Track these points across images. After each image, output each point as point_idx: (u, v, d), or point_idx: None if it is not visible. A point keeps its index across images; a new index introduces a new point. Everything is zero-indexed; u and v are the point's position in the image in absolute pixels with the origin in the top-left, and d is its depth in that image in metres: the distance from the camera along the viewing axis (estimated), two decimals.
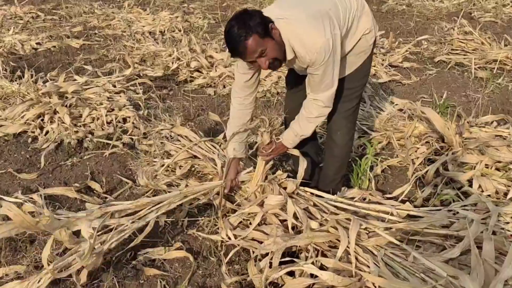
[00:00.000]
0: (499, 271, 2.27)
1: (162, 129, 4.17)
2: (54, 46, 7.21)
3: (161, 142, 3.89)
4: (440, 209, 2.97)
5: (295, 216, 2.84)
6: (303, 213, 2.79)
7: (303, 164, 3.09)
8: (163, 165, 3.67)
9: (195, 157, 3.71)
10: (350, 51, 2.87)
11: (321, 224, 2.78)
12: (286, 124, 3.29)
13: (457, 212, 2.86)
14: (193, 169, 3.66)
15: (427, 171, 3.64)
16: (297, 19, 2.58)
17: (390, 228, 2.76)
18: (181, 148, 3.77)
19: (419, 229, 2.71)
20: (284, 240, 2.63)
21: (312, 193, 3.12)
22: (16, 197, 3.34)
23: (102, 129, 4.42)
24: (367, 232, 2.77)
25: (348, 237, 2.55)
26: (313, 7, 2.64)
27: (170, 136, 4.05)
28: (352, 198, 3.14)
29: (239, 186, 3.22)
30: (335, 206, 2.99)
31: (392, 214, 2.87)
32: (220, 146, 3.91)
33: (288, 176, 3.18)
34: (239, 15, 2.53)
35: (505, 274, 2.22)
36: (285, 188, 3.07)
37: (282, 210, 2.92)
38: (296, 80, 3.08)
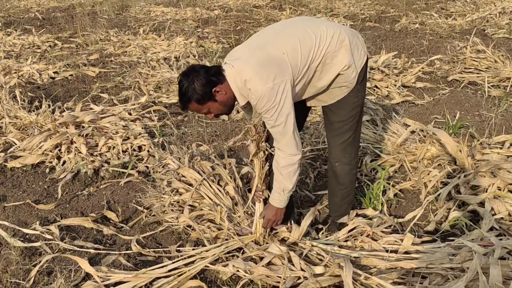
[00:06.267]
0: None
1: (168, 164, 4.19)
2: (71, 75, 7.35)
3: (168, 182, 3.92)
4: (441, 246, 2.97)
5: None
6: (305, 263, 2.82)
7: (308, 219, 3.18)
8: (171, 203, 3.72)
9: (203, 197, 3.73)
10: (329, 86, 2.88)
11: (326, 266, 2.81)
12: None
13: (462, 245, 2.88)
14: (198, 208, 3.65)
15: (439, 194, 3.65)
16: (246, 65, 2.68)
17: (391, 268, 2.80)
18: (190, 185, 3.79)
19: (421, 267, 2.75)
20: None
21: (312, 238, 3.22)
22: (34, 229, 3.43)
23: (118, 158, 4.49)
24: (370, 268, 2.83)
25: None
26: (268, 50, 2.71)
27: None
28: (353, 229, 3.21)
29: None
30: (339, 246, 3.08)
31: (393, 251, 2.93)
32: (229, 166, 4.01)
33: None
34: (187, 74, 2.70)
35: None
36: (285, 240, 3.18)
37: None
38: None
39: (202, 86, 2.65)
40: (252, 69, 2.64)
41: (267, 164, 3.08)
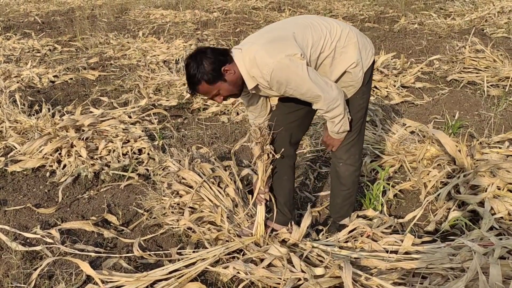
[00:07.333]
0: None
1: (168, 167, 4.19)
2: (71, 78, 7.36)
3: (168, 184, 3.93)
4: (441, 246, 2.98)
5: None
6: (305, 265, 2.83)
7: (307, 220, 3.18)
8: (172, 205, 3.72)
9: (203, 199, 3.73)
10: (336, 81, 2.88)
11: (326, 267, 2.82)
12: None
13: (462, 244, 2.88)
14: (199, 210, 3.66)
15: (439, 195, 3.66)
16: (255, 44, 2.71)
17: (391, 268, 2.81)
18: (190, 188, 3.80)
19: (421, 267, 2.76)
20: None
21: (312, 240, 3.23)
22: (35, 232, 3.44)
23: (118, 161, 4.50)
24: (370, 269, 2.83)
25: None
26: (277, 33, 2.76)
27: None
28: (353, 230, 3.21)
29: None
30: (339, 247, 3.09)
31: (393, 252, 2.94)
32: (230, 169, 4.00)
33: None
34: (194, 55, 2.68)
35: None
36: (286, 241, 3.19)
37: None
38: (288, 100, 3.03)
39: (211, 65, 2.63)
40: (261, 46, 2.67)
41: (271, 167, 3.08)
